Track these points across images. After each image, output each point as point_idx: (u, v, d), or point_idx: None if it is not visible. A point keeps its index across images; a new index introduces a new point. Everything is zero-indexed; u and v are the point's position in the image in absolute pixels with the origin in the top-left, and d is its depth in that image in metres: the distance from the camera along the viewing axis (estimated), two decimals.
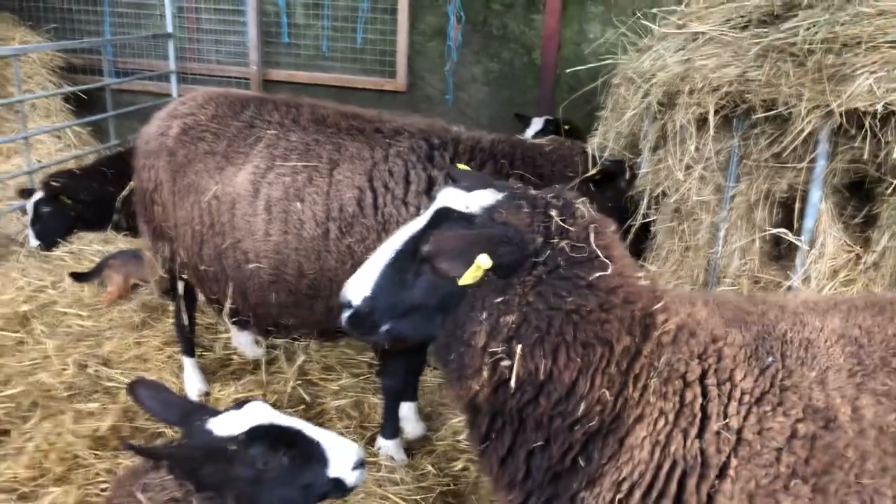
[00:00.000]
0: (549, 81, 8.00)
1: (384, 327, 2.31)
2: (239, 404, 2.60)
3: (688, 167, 3.96)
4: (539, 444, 2.05)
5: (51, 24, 9.12)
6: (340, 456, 2.54)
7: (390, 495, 3.90)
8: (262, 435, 2.47)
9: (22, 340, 5.30)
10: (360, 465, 2.58)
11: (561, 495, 2.03)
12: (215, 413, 2.57)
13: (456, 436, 4.49)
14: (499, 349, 2.01)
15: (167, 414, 2.62)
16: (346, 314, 2.34)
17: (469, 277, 2.01)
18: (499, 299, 2.02)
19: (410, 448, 4.41)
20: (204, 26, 9.00)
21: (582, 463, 1.99)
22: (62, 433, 4.28)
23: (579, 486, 2.01)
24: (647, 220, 4.29)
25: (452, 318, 2.12)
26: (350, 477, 2.56)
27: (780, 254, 3.88)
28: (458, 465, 4.23)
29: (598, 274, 1.97)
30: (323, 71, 8.73)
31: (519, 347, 1.99)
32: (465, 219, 2.16)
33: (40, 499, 3.82)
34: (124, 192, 5.88)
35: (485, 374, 2.03)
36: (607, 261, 1.97)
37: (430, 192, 3.73)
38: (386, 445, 4.25)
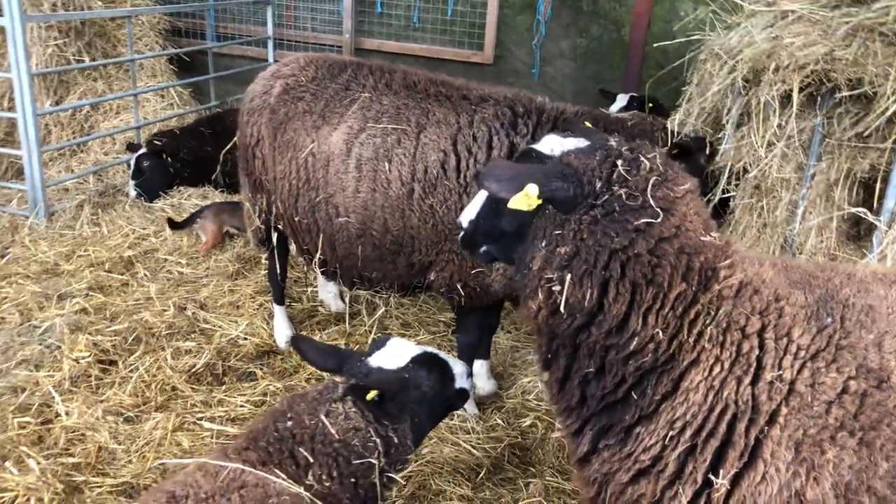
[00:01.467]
0: (637, 58, 8.00)
1: (482, 248, 2.72)
2: (378, 342, 2.92)
3: (770, 144, 4.00)
4: (591, 370, 2.24)
5: None
6: (459, 370, 2.98)
7: (461, 442, 4.13)
8: (421, 362, 2.85)
9: (126, 283, 5.74)
10: (469, 374, 3.06)
11: (615, 426, 2.22)
12: (363, 356, 2.87)
13: (525, 395, 4.67)
14: (553, 276, 2.24)
15: (326, 362, 2.90)
16: (459, 235, 2.79)
17: (520, 203, 2.26)
18: (557, 231, 2.26)
19: (481, 403, 4.62)
20: None
21: (635, 396, 2.17)
22: (162, 367, 4.67)
23: (632, 419, 2.18)
24: (727, 195, 4.34)
25: (523, 244, 2.40)
26: (467, 385, 3.03)
27: (859, 234, 3.89)
28: (527, 421, 4.42)
29: (645, 220, 2.14)
30: (412, 41, 8.94)
31: (569, 276, 2.20)
32: (539, 158, 2.41)
33: (143, 422, 4.21)
34: (227, 147, 6.22)
35: (540, 295, 2.27)
36: (660, 211, 2.14)
37: (510, 158, 3.89)
38: None
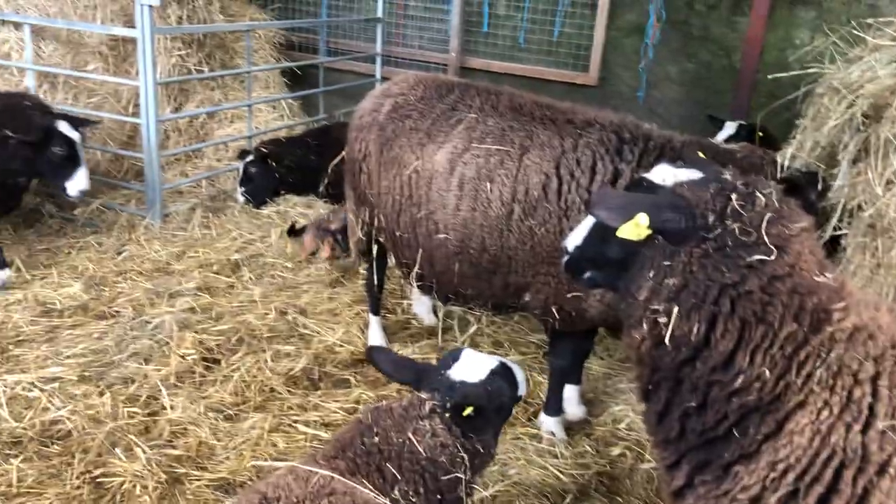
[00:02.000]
0: (747, 86, 7.81)
1: (586, 274, 2.71)
2: (452, 354, 2.95)
3: (888, 182, 3.84)
4: (693, 405, 2.21)
5: (276, 3, 10.01)
6: (521, 377, 3.03)
7: (549, 466, 4.12)
8: (499, 372, 2.90)
9: (232, 285, 5.99)
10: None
11: (713, 462, 2.18)
12: (440, 369, 2.89)
13: (616, 423, 4.61)
14: (659, 307, 2.24)
15: (402, 375, 2.97)
16: (563, 259, 2.81)
17: (629, 232, 2.26)
18: (666, 263, 2.25)
19: (570, 429, 4.60)
20: (410, 13, 9.53)
21: (737, 434, 2.12)
22: (262, 368, 4.85)
23: (732, 457, 2.14)
24: (838, 233, 4.19)
25: (629, 273, 2.40)
26: (524, 392, 3.07)
27: None
28: (616, 450, 4.36)
29: (759, 257, 2.11)
30: (517, 62, 9.00)
31: (676, 308, 2.19)
32: (651, 187, 2.41)
33: (242, 421, 4.38)
34: (335, 161, 6.42)
35: (645, 326, 2.27)
36: (774, 248, 2.10)
37: (615, 184, 3.87)
38: (548, 421, 4.46)
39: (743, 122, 7.21)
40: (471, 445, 2.73)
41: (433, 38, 9.45)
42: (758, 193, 2.21)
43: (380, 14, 9.26)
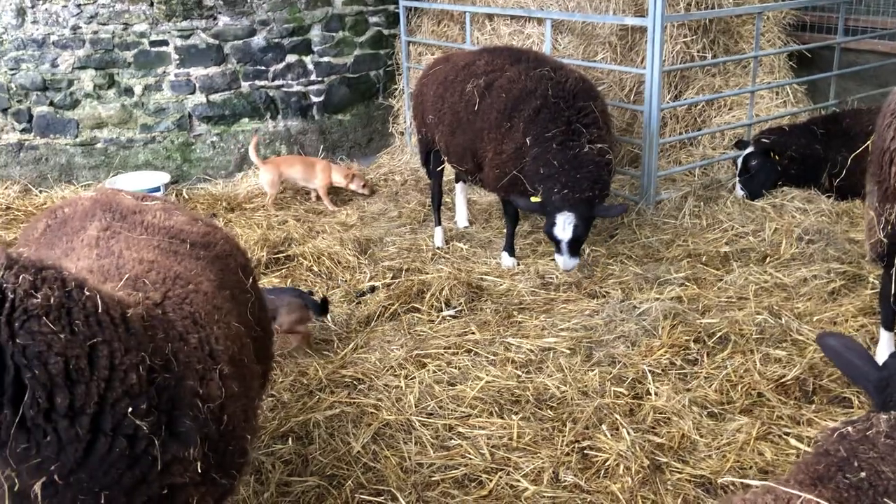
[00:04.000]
0: None
1: None
2: None
3: None
4: None
5: None
6: None
7: None
8: None
9: (720, 278, 5.76)
10: None
11: None
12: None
13: None
14: None
15: (854, 373, 2.54)
16: None
17: None
18: None
19: None
20: None
21: None
22: (750, 370, 4.57)
23: None
24: None
25: None
26: None
27: None
28: None
29: None
30: None
31: None
32: None
33: (727, 421, 4.17)
34: (857, 152, 5.76)
35: None
36: None
37: None
38: None
39: None
40: None
41: None
42: None
43: None
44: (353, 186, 7.91)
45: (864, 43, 8.62)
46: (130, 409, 1.96)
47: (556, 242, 5.50)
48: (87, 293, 1.93)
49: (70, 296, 1.90)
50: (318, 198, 7.92)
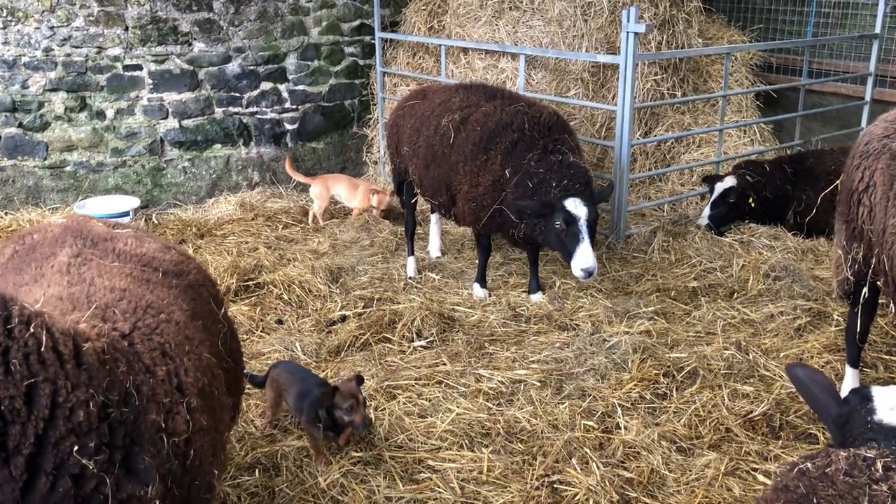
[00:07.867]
0: None
1: None
2: (861, 394, 2.52)
3: None
4: None
5: (756, 24, 9.59)
6: None
7: None
8: None
9: (689, 312, 5.83)
10: None
11: None
12: (864, 411, 2.45)
13: None
14: None
15: (817, 406, 2.59)
16: None
17: None
18: None
19: None
20: None
21: None
22: (718, 405, 4.60)
23: None
24: None
25: None
26: None
27: None
28: None
29: None
30: None
31: None
32: None
33: (695, 456, 4.19)
34: (826, 191, 5.88)
35: None
36: None
37: None
38: None
39: None
40: None
41: None
42: None
43: (878, 30, 8.25)
44: (373, 202, 8.17)
45: (828, 85, 8.87)
46: (76, 448, 1.89)
47: (574, 227, 5.25)
48: (32, 330, 1.86)
49: (10, 334, 1.83)
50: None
